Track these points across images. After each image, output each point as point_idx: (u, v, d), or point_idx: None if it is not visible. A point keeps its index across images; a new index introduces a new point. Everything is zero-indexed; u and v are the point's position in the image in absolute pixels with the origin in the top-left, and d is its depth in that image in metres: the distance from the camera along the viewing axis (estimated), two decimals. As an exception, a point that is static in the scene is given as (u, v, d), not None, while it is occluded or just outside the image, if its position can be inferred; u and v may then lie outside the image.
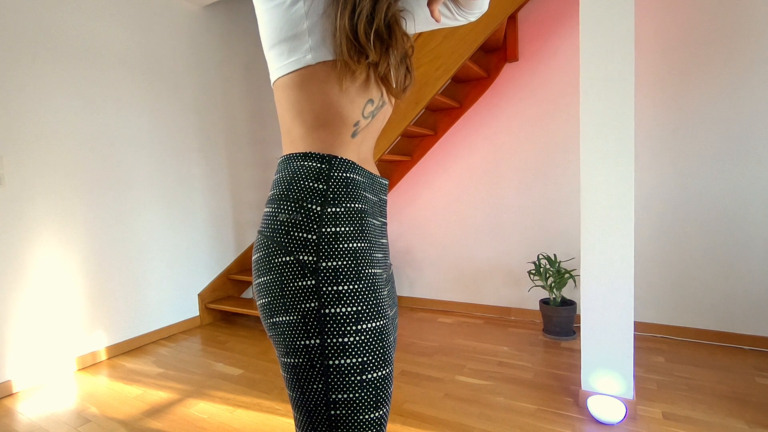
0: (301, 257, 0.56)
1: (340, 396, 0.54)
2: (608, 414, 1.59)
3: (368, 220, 0.62)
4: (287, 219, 0.58)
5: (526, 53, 2.81)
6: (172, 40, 2.89)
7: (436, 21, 0.61)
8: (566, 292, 2.78)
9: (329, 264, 0.56)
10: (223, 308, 3.03)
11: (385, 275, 0.65)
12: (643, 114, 2.49)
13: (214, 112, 3.18)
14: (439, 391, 1.94)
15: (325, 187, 0.59)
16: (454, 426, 1.65)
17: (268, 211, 0.61)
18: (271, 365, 2.33)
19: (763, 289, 2.26)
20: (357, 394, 0.55)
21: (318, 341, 0.54)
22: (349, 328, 0.55)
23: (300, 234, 0.56)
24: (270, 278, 0.57)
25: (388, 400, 0.58)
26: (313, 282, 0.55)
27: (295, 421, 0.59)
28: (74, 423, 1.80)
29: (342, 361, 0.54)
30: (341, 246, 0.57)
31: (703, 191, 2.36)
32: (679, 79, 2.39)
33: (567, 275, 2.53)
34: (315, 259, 0.56)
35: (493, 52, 2.91)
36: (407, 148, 3.21)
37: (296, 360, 0.56)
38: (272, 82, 0.64)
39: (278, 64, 0.61)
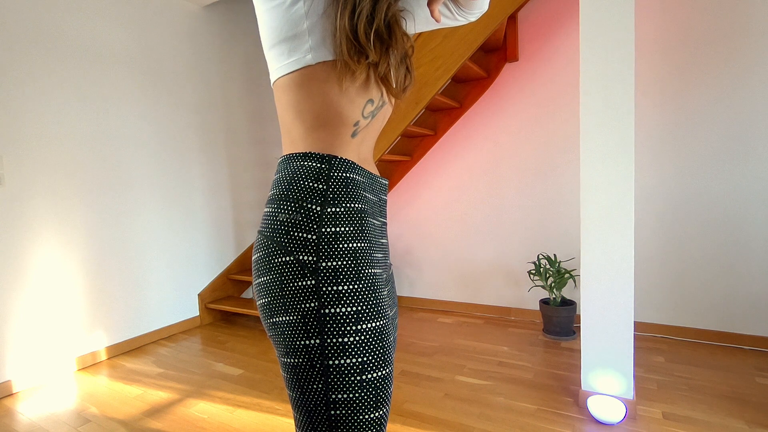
0: (301, 257, 0.56)
1: (340, 396, 0.54)
2: (608, 414, 1.59)
3: (368, 220, 0.62)
4: (287, 219, 0.58)
5: (526, 53, 2.81)
6: (172, 39, 2.89)
7: (436, 21, 0.61)
8: (566, 292, 2.78)
9: (329, 264, 0.56)
10: (223, 308, 3.03)
11: (385, 275, 0.65)
12: (643, 114, 2.49)
13: (214, 112, 3.18)
14: (439, 391, 1.94)
15: (325, 187, 0.59)
16: (454, 426, 1.65)
17: (268, 211, 0.61)
18: (271, 365, 2.33)
19: (763, 289, 2.26)
20: (357, 394, 0.55)
21: (318, 341, 0.54)
22: (349, 328, 0.55)
23: (300, 234, 0.56)
24: (270, 278, 0.57)
25: (388, 400, 0.58)
26: (313, 282, 0.55)
27: (295, 421, 0.59)
28: (74, 423, 1.80)
29: (342, 361, 0.54)
30: (341, 246, 0.57)
31: (703, 191, 2.36)
32: (679, 79, 2.39)
33: (567, 275, 2.53)
34: (315, 259, 0.56)
35: (493, 52, 2.91)
36: (407, 148, 3.21)
37: (296, 360, 0.56)
38: (272, 82, 0.64)
39: (278, 64, 0.61)
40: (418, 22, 0.74)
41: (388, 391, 0.58)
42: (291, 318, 0.55)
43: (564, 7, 2.67)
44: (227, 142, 3.28)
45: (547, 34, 2.73)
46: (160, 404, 1.93)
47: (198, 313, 3.07)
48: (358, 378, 0.55)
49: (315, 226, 0.57)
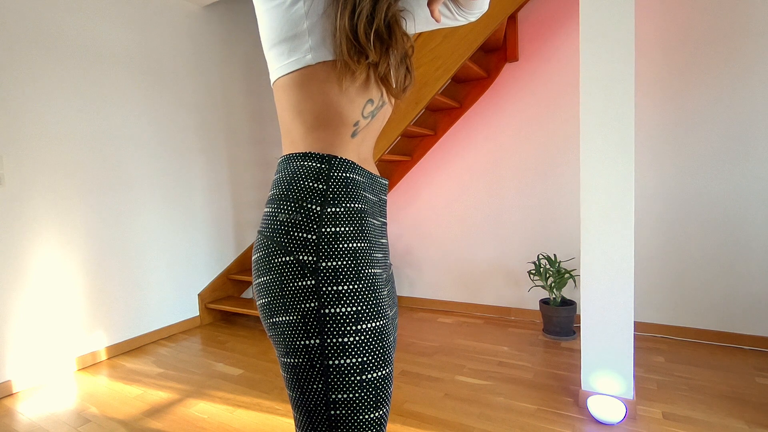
0: (300, 257, 0.56)
1: (339, 396, 0.54)
2: (608, 414, 1.59)
3: (368, 220, 0.62)
4: (287, 219, 0.58)
5: (526, 53, 2.81)
6: (173, 39, 2.89)
7: (436, 21, 0.61)
8: (566, 292, 2.78)
9: (329, 264, 0.56)
10: (223, 308, 3.03)
11: (385, 275, 0.65)
12: (643, 114, 2.49)
13: (215, 112, 3.18)
14: (439, 391, 1.94)
15: (324, 187, 0.59)
16: (454, 426, 1.65)
17: (268, 211, 0.61)
18: (271, 365, 2.33)
19: (763, 289, 2.26)
20: (357, 394, 0.55)
21: (318, 341, 0.54)
22: (348, 328, 0.55)
23: (300, 234, 0.56)
24: (270, 278, 0.57)
25: (388, 400, 0.58)
26: (313, 282, 0.55)
27: (295, 421, 0.59)
28: (74, 423, 1.80)
29: (342, 361, 0.54)
30: (341, 246, 0.57)
31: (703, 191, 2.36)
32: (679, 79, 2.39)
33: (567, 275, 2.53)
34: (315, 259, 0.56)
35: (493, 52, 2.91)
36: (407, 148, 3.21)
37: (296, 360, 0.56)
38: (272, 82, 0.64)
39: (278, 64, 0.61)
40: (418, 22, 0.74)
41: (388, 391, 0.58)
42: (291, 318, 0.55)
43: (564, 7, 2.67)
44: (227, 142, 3.28)
45: (547, 34, 2.73)
46: (160, 404, 1.93)
47: (198, 313, 3.07)
48: (358, 378, 0.55)
49: (315, 226, 0.57)
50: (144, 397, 2.00)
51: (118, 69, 2.58)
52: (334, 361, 0.54)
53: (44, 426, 1.79)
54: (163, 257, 2.83)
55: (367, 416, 0.55)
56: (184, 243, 2.97)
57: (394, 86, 0.62)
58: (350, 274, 0.56)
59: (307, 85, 0.59)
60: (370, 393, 0.55)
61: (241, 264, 3.42)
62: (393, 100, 0.67)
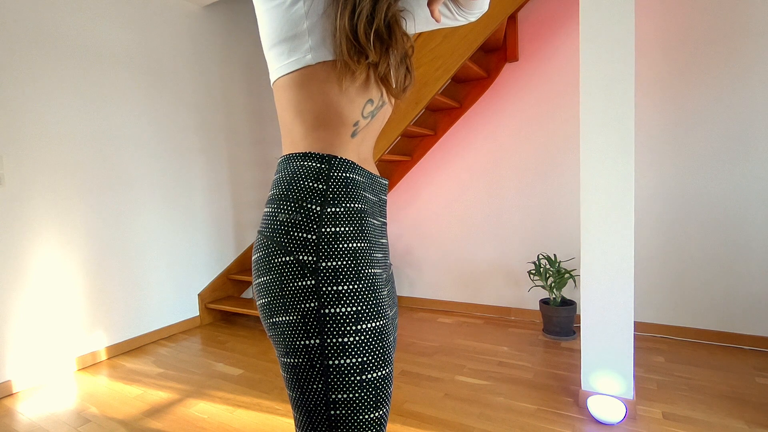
0: (300, 257, 0.56)
1: (339, 396, 0.54)
2: (608, 414, 1.59)
3: (368, 220, 0.62)
4: (287, 219, 0.58)
5: (526, 53, 2.81)
6: (173, 39, 2.89)
7: (436, 21, 0.61)
8: (566, 292, 2.78)
9: (329, 264, 0.56)
10: (223, 308, 3.03)
11: (384, 275, 0.65)
12: (643, 114, 2.49)
13: (215, 112, 3.18)
14: (439, 391, 1.94)
15: (324, 187, 0.59)
16: (454, 426, 1.65)
17: (267, 211, 0.61)
18: (271, 365, 2.33)
19: (763, 289, 2.26)
20: (357, 394, 0.55)
21: (318, 341, 0.54)
22: (348, 328, 0.55)
23: (300, 234, 0.56)
24: (270, 278, 0.57)
25: (388, 400, 0.58)
26: (313, 282, 0.55)
27: (295, 421, 0.59)
28: (74, 423, 1.80)
29: (342, 361, 0.54)
30: (341, 246, 0.57)
31: (703, 191, 2.36)
32: (679, 79, 2.39)
33: (567, 275, 2.53)
34: (315, 259, 0.56)
35: (493, 52, 2.91)
36: (407, 148, 3.21)
37: (296, 360, 0.56)
38: (272, 82, 0.64)
39: (278, 64, 0.61)
40: (418, 22, 0.74)
41: (388, 391, 0.58)
42: (291, 318, 0.55)
43: (564, 7, 2.67)
44: (227, 142, 3.28)
45: (547, 34, 2.73)
46: (160, 404, 1.93)
47: (198, 313, 3.07)
48: (358, 378, 0.55)
49: (315, 226, 0.57)
50: (144, 397, 2.00)
51: (118, 69, 2.58)
52: (334, 361, 0.54)
53: (44, 426, 1.79)
54: (163, 257, 2.83)
55: (367, 416, 0.55)
56: (184, 243, 2.97)
57: (394, 86, 0.62)
58: (350, 274, 0.56)
59: (307, 85, 0.59)
60: (370, 393, 0.55)
61: (241, 264, 3.42)
62: (393, 100, 0.67)
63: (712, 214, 2.35)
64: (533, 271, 2.59)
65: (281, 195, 0.59)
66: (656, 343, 2.40)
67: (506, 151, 2.92)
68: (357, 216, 0.60)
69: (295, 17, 0.58)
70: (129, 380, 2.20)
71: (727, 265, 2.33)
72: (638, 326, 2.56)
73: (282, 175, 0.61)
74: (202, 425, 1.73)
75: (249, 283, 3.45)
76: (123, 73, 2.61)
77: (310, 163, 0.60)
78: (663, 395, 1.82)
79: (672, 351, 2.28)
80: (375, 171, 0.70)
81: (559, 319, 2.51)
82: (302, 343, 0.55)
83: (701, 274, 2.39)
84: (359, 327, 0.55)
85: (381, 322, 0.58)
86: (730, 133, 2.29)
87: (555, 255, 2.72)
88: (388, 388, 0.58)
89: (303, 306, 0.55)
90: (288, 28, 0.58)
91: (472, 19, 0.75)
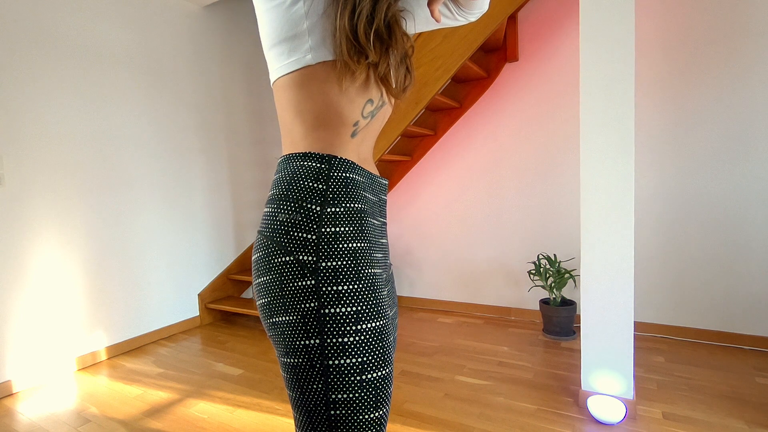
0: (300, 257, 0.56)
1: (339, 396, 0.54)
2: (608, 414, 1.59)
3: (368, 220, 0.62)
4: (287, 219, 0.58)
5: (526, 53, 2.81)
6: (173, 39, 2.89)
7: (436, 21, 0.61)
8: (566, 292, 2.78)
9: (329, 264, 0.56)
10: (223, 308, 3.03)
11: (384, 275, 0.65)
12: (643, 114, 2.49)
13: (215, 112, 3.18)
14: (439, 391, 1.94)
15: (324, 187, 0.59)
16: (454, 426, 1.65)
17: (267, 211, 0.61)
18: (271, 365, 2.33)
19: (763, 289, 2.26)
20: (357, 394, 0.55)
21: (318, 341, 0.54)
22: (348, 328, 0.55)
23: (299, 234, 0.56)
24: (270, 278, 0.57)
25: (388, 400, 0.58)
26: (313, 282, 0.55)
27: (295, 421, 0.59)
28: (74, 423, 1.80)
29: (342, 361, 0.54)
30: (341, 246, 0.57)
31: (703, 191, 2.36)
32: (679, 79, 2.39)
33: (567, 275, 2.53)
34: (315, 259, 0.56)
35: (493, 52, 2.91)
36: (407, 148, 3.21)
37: (296, 360, 0.56)
38: (272, 82, 0.64)
39: (278, 64, 0.61)
40: (418, 22, 0.74)
41: (388, 391, 0.58)
42: (291, 318, 0.55)
43: (564, 7, 2.67)
44: (227, 142, 3.28)
45: (547, 34, 2.73)
46: (160, 404, 1.93)
47: (198, 313, 3.07)
48: (358, 378, 0.55)
49: (315, 226, 0.57)
50: (144, 397, 2.00)
51: (118, 69, 2.58)
52: (334, 361, 0.54)
53: (44, 426, 1.79)
54: (163, 257, 2.83)
55: (367, 416, 0.55)
56: (184, 243, 2.97)
57: (394, 86, 0.62)
58: (350, 274, 0.56)
59: (307, 85, 0.59)
60: (370, 393, 0.55)
61: (241, 264, 3.42)
62: (393, 100, 0.67)
63: (712, 214, 2.35)
64: (533, 271, 2.59)
65: (281, 195, 0.59)
66: (656, 343, 2.40)
67: (506, 151, 2.92)
68: (357, 216, 0.60)
69: (295, 17, 0.58)
70: (129, 380, 2.20)
71: (727, 265, 2.33)
72: (638, 326, 2.56)
73: (282, 175, 0.61)
74: (202, 425, 1.73)
75: (249, 283, 3.45)
76: (123, 73, 2.61)
77: (310, 163, 0.60)
78: (663, 395, 1.82)
79: (672, 351, 2.28)
80: (375, 171, 0.70)
81: (559, 319, 2.51)
82: (302, 343, 0.55)
83: (701, 274, 2.39)
84: (359, 327, 0.55)
85: (381, 322, 0.58)
86: (730, 133, 2.29)
87: (555, 255, 2.72)
88: (388, 388, 0.58)
89: (303, 306, 0.55)
90: (288, 28, 0.58)
91: (472, 19, 0.75)
